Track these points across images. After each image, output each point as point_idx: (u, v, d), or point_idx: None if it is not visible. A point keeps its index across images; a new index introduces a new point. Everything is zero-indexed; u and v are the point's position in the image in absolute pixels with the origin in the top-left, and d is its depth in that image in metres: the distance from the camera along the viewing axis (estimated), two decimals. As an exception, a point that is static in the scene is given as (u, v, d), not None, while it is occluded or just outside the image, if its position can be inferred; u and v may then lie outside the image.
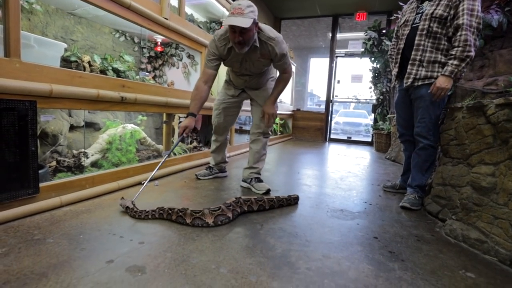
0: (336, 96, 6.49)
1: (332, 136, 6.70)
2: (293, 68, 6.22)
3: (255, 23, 1.68)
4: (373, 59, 5.01)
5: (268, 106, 2.01)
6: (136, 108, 2.05)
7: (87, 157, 2.42)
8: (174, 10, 2.75)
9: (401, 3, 3.01)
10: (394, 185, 2.30)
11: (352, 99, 6.74)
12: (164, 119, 2.45)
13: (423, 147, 1.88)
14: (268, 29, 1.81)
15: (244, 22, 1.59)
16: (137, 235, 1.25)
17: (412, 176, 1.98)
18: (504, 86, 1.90)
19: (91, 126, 3.01)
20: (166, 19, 2.26)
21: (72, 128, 2.78)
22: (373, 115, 5.67)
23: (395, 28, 2.14)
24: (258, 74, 2.01)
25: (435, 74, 1.82)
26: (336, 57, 6.35)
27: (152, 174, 1.69)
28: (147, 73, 3.66)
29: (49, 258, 1.03)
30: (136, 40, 3.73)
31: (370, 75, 5.29)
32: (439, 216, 1.67)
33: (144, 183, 1.66)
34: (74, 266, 0.99)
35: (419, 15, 1.88)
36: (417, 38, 1.85)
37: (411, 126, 2.04)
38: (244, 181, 2.13)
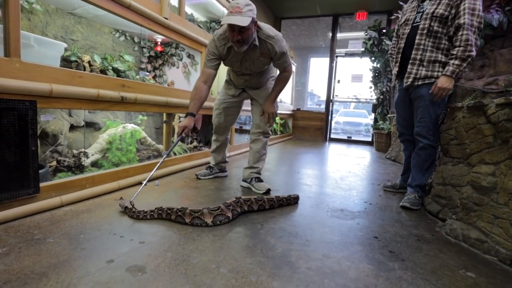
0: (336, 95, 6.49)
1: (332, 136, 6.69)
2: (293, 68, 6.22)
3: (253, 22, 1.68)
4: (373, 58, 5.01)
5: (268, 105, 2.01)
6: (136, 108, 2.05)
7: (87, 157, 2.42)
8: (174, 10, 2.75)
9: (401, 3, 3.01)
10: (394, 185, 2.30)
11: (352, 98, 6.74)
12: (164, 119, 2.45)
13: (423, 147, 1.88)
14: (267, 28, 1.81)
15: (243, 20, 1.59)
16: (137, 235, 1.25)
17: (412, 176, 1.98)
18: (505, 86, 1.90)
19: (91, 126, 3.01)
20: (166, 18, 2.26)
21: (72, 128, 2.78)
22: (373, 114, 5.67)
23: (396, 27, 2.14)
24: (259, 73, 2.01)
25: (435, 73, 1.81)
26: (336, 56, 6.35)
27: (151, 174, 1.69)
28: (147, 73, 3.66)
29: (50, 258, 1.03)
30: (136, 39, 3.72)
31: (370, 74, 5.29)
32: (439, 216, 1.67)
33: (144, 183, 1.66)
34: (74, 266, 0.99)
35: (420, 14, 1.88)
36: (417, 37, 1.84)
37: (411, 125, 2.04)
38: (244, 180, 2.13)
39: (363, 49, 5.17)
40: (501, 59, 2.13)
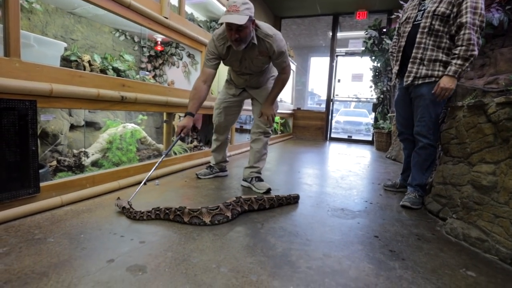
0: (336, 95, 6.49)
1: (333, 135, 6.69)
2: (293, 67, 6.21)
3: (251, 20, 1.69)
4: (373, 58, 5.00)
5: (266, 107, 2.02)
6: (137, 108, 2.05)
7: (88, 157, 2.42)
8: (174, 9, 2.75)
9: (401, 2, 3.01)
10: (394, 184, 2.30)
11: (353, 98, 6.73)
12: (165, 118, 2.45)
13: (423, 146, 1.87)
14: (265, 26, 1.81)
15: (240, 19, 1.59)
16: (137, 235, 1.25)
17: (412, 175, 1.98)
18: (505, 85, 1.90)
19: (91, 125, 3.01)
20: (166, 18, 2.26)
21: (72, 127, 2.78)
22: (373, 114, 5.67)
23: (397, 25, 2.13)
24: (258, 72, 2.01)
25: (436, 72, 1.81)
26: (337, 56, 6.34)
27: (149, 174, 1.69)
28: (147, 73, 3.66)
29: (50, 258, 1.03)
30: (136, 39, 3.72)
31: (370, 74, 5.29)
32: (439, 215, 1.67)
33: (142, 183, 1.66)
34: (75, 266, 0.99)
35: (421, 12, 1.87)
36: (418, 36, 1.83)
37: (411, 124, 2.04)
38: (244, 180, 2.13)
39: (363, 48, 5.16)
40: (501, 58, 2.13)
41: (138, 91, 2.00)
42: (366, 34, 5.00)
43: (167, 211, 1.42)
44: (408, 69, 1.90)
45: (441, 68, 1.80)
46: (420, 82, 1.86)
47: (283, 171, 2.84)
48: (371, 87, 5.36)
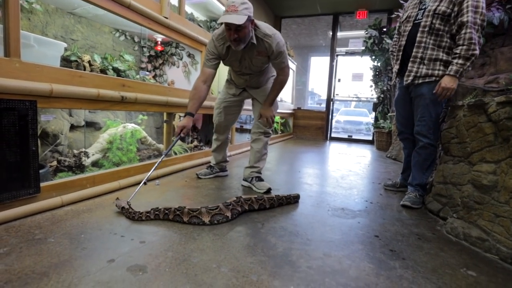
0: (336, 94, 6.48)
1: (333, 135, 6.69)
2: (294, 67, 6.21)
3: (250, 20, 1.69)
4: (373, 57, 5.00)
5: (265, 109, 2.02)
6: (137, 108, 2.05)
7: (88, 157, 2.43)
8: (174, 9, 2.75)
9: (402, 1, 3.00)
10: (394, 184, 2.30)
11: (353, 97, 6.73)
12: (165, 118, 2.45)
13: (423, 146, 1.87)
14: (264, 26, 1.81)
15: (238, 19, 1.60)
16: (138, 235, 1.25)
17: (412, 175, 1.98)
18: (506, 84, 1.90)
19: (91, 125, 3.01)
20: (166, 18, 2.26)
21: (72, 127, 2.78)
22: (374, 113, 5.67)
23: (397, 24, 2.12)
24: (258, 72, 2.01)
25: (436, 72, 1.80)
26: (337, 55, 6.34)
27: (148, 174, 1.69)
28: (147, 73, 3.65)
29: (50, 258, 1.03)
30: (136, 39, 3.72)
31: (370, 73, 5.29)
32: (440, 215, 1.67)
33: (142, 183, 1.66)
34: (75, 266, 0.99)
35: (422, 11, 1.86)
36: (418, 35, 1.83)
37: (411, 124, 2.03)
38: (245, 180, 2.13)
39: (363, 48, 5.16)
40: (501, 57, 2.12)
41: (138, 91, 2.00)
42: (366, 33, 5.00)
43: (167, 211, 1.42)
44: (408, 68, 1.89)
45: (441, 68, 1.80)
46: (420, 81, 1.85)
47: (284, 170, 2.84)
48: (371, 86, 5.35)
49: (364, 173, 2.91)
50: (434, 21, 1.77)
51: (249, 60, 1.89)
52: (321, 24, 7.50)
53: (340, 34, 6.56)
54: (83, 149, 2.51)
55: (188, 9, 3.59)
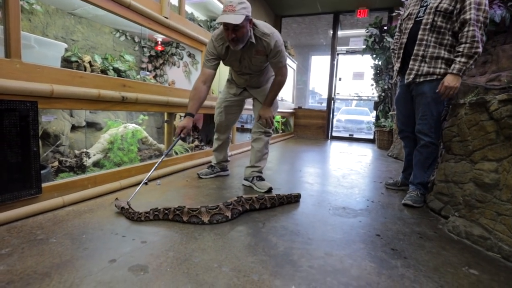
0: (337, 93, 6.47)
1: (334, 134, 6.68)
2: (294, 66, 6.21)
3: (248, 20, 1.69)
4: (374, 56, 4.99)
5: (264, 110, 2.01)
6: (137, 108, 2.05)
7: (89, 157, 2.43)
8: (174, 9, 2.75)
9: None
10: (396, 182, 2.29)
11: (354, 96, 6.71)
12: (165, 118, 2.45)
13: (425, 145, 1.86)
14: (263, 25, 1.81)
15: (236, 18, 1.60)
16: (139, 235, 1.26)
17: (414, 173, 1.97)
18: (507, 82, 1.89)
19: (92, 126, 3.01)
20: (166, 18, 2.26)
21: (73, 128, 2.79)
22: (375, 112, 5.65)
23: (399, 22, 2.11)
24: (258, 72, 2.01)
25: (438, 70, 1.79)
26: (338, 54, 6.32)
27: (149, 175, 1.69)
28: (148, 73, 3.66)
29: (52, 258, 1.03)
30: (136, 39, 3.72)
31: (371, 72, 5.27)
32: (441, 213, 1.66)
33: (142, 182, 1.66)
34: (77, 266, 1.00)
35: (423, 8, 1.84)
36: (420, 32, 1.81)
37: (411, 122, 2.03)
38: (246, 179, 2.13)
39: (364, 47, 5.14)
40: (503, 55, 2.11)
41: (139, 91, 2.00)
42: (367, 32, 4.98)
43: (166, 211, 1.42)
44: (410, 66, 1.88)
45: (443, 66, 1.78)
46: (421, 79, 1.84)
47: (285, 170, 2.84)
48: (372, 85, 5.34)
49: (365, 172, 2.90)
50: (436, 18, 1.75)
51: (249, 59, 1.89)
52: (321, 23, 7.48)
53: (340, 32, 6.54)
54: (84, 150, 2.51)
55: (188, 8, 3.59)
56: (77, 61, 2.46)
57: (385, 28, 4.91)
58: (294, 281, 0.98)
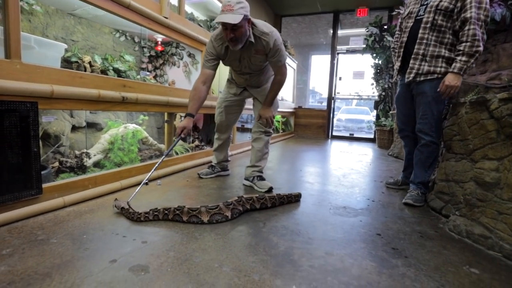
0: (338, 93, 6.47)
1: (334, 133, 6.68)
2: (294, 66, 6.20)
3: (246, 19, 1.69)
4: (374, 55, 4.98)
5: (264, 109, 2.01)
6: (138, 108, 2.05)
7: (90, 158, 2.43)
8: (174, 9, 2.75)
9: (402, -2, 2.98)
10: (396, 182, 2.29)
11: (354, 95, 6.71)
12: (166, 118, 2.45)
13: (426, 144, 1.86)
14: (261, 24, 1.81)
15: (234, 18, 1.60)
16: (140, 235, 1.26)
17: (414, 173, 1.97)
18: (508, 81, 1.88)
19: (92, 126, 3.01)
20: (166, 18, 2.25)
21: (74, 128, 2.79)
22: (375, 111, 5.65)
23: (399, 20, 2.10)
24: (258, 71, 2.01)
25: (438, 69, 1.79)
26: (338, 53, 6.32)
27: (149, 175, 1.69)
28: (148, 73, 3.66)
29: (53, 258, 1.04)
30: (136, 39, 3.72)
31: (372, 71, 5.27)
32: (442, 212, 1.66)
33: (142, 183, 1.66)
34: (77, 266, 1.00)
35: (424, 6, 1.83)
36: (420, 31, 1.81)
37: (411, 121, 2.02)
38: (246, 179, 2.13)
39: (364, 46, 5.14)
40: (504, 53, 2.11)
41: (139, 92, 2.00)
42: (367, 31, 4.98)
43: (166, 212, 1.42)
44: (410, 65, 1.88)
45: (443, 65, 1.78)
46: (422, 78, 1.84)
47: (285, 169, 2.84)
48: (372, 84, 5.34)
49: (366, 171, 2.90)
50: (436, 17, 1.75)
51: (248, 59, 1.89)
52: (321, 22, 7.48)
53: (340, 32, 6.54)
54: (85, 150, 2.51)
55: (188, 8, 3.59)
56: (77, 62, 2.47)
57: (385, 27, 4.91)
58: (294, 280, 0.98)
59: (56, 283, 0.90)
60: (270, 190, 1.98)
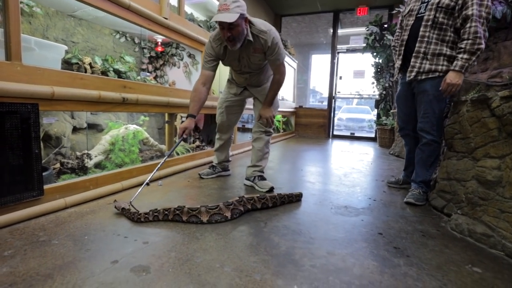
0: (338, 92, 6.46)
1: (335, 133, 6.67)
2: (295, 65, 6.20)
3: (243, 18, 1.69)
4: (375, 54, 4.97)
5: (265, 109, 2.01)
6: (138, 109, 2.05)
7: (91, 159, 2.44)
8: (174, 10, 2.75)
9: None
10: (397, 181, 2.28)
11: (355, 95, 6.70)
12: (166, 119, 2.45)
13: (427, 143, 1.85)
14: (259, 23, 1.81)
15: (230, 17, 1.61)
16: (141, 235, 1.26)
17: (416, 171, 1.96)
18: (509, 78, 1.87)
19: (93, 127, 3.02)
20: (166, 18, 2.26)
21: (75, 129, 2.79)
22: (376, 110, 5.64)
23: (400, 18, 2.09)
24: (258, 70, 2.01)
25: (439, 67, 1.78)
26: (338, 53, 6.31)
27: (151, 175, 1.69)
28: (148, 74, 3.66)
29: (55, 260, 1.04)
30: (136, 40, 3.73)
31: (372, 70, 5.25)
32: (444, 211, 1.66)
33: (144, 183, 1.66)
34: (79, 267, 1.00)
35: (425, 4, 1.82)
36: (421, 29, 1.79)
37: (412, 120, 2.02)
38: (247, 179, 2.13)
39: (364, 45, 5.13)
40: (505, 51, 2.10)
41: (139, 92, 2.00)
42: (367, 30, 4.96)
43: (166, 212, 1.42)
44: (411, 63, 1.87)
45: (445, 63, 1.77)
46: (423, 77, 1.83)
47: (286, 169, 2.84)
48: (373, 83, 5.32)
49: (367, 171, 2.89)
50: (437, 14, 1.73)
51: (247, 58, 1.89)
52: (321, 21, 7.47)
53: (340, 31, 6.53)
54: (86, 151, 2.52)
55: (187, 9, 3.59)
56: (77, 63, 2.47)
57: (386, 26, 4.90)
58: (296, 280, 0.98)
59: (58, 284, 0.90)
60: (271, 190, 1.97)
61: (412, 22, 1.88)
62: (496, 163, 1.32)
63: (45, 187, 1.45)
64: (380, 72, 5.11)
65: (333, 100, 6.40)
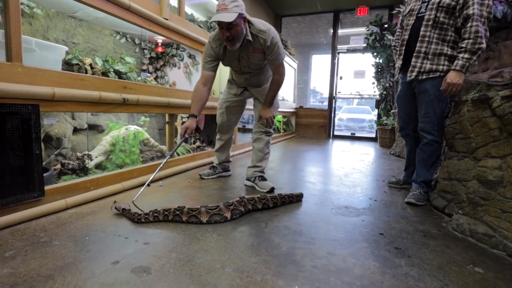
0: (339, 92, 6.46)
1: (336, 133, 6.66)
2: (295, 65, 6.20)
3: (241, 17, 1.69)
4: (375, 54, 4.97)
5: (265, 110, 2.01)
6: (139, 110, 2.06)
7: (91, 159, 2.44)
8: (174, 10, 2.75)
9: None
10: (398, 181, 2.28)
11: (355, 95, 6.69)
12: (167, 119, 2.46)
13: (428, 143, 1.85)
14: (258, 22, 1.81)
15: (228, 16, 1.61)
16: (142, 236, 1.26)
17: (417, 171, 1.96)
18: (510, 78, 1.87)
19: (94, 128, 3.02)
20: (166, 19, 2.26)
21: (75, 130, 2.80)
22: (376, 110, 5.63)
23: (400, 18, 2.09)
24: (258, 70, 2.01)
25: (440, 67, 1.77)
26: (338, 53, 6.31)
27: (153, 175, 1.70)
28: (148, 74, 3.66)
29: (55, 260, 1.04)
30: (137, 41, 3.73)
31: (373, 70, 5.25)
32: (445, 211, 1.65)
33: (146, 184, 1.66)
34: (80, 268, 1.00)
35: (425, 4, 1.82)
36: (422, 28, 1.79)
37: (412, 120, 2.01)
38: (248, 179, 2.13)
39: (365, 45, 5.13)
40: (505, 51, 2.10)
41: (140, 93, 2.01)
42: (368, 30, 4.96)
43: (166, 212, 1.42)
44: (412, 63, 1.86)
45: (446, 63, 1.76)
46: (424, 77, 1.83)
47: (287, 169, 2.83)
48: (373, 83, 5.32)
49: (368, 171, 2.89)
50: (438, 14, 1.73)
51: (247, 58, 1.89)
52: (321, 22, 7.47)
53: (341, 31, 6.53)
54: (87, 152, 2.52)
55: (188, 10, 3.59)
56: (78, 64, 2.47)
57: (386, 26, 4.89)
58: (297, 281, 0.98)
59: (59, 285, 0.90)
60: (271, 190, 1.97)
61: (413, 21, 1.88)
62: (497, 163, 1.32)
63: (46, 188, 1.46)
64: (380, 72, 5.11)
65: (334, 100, 6.39)
